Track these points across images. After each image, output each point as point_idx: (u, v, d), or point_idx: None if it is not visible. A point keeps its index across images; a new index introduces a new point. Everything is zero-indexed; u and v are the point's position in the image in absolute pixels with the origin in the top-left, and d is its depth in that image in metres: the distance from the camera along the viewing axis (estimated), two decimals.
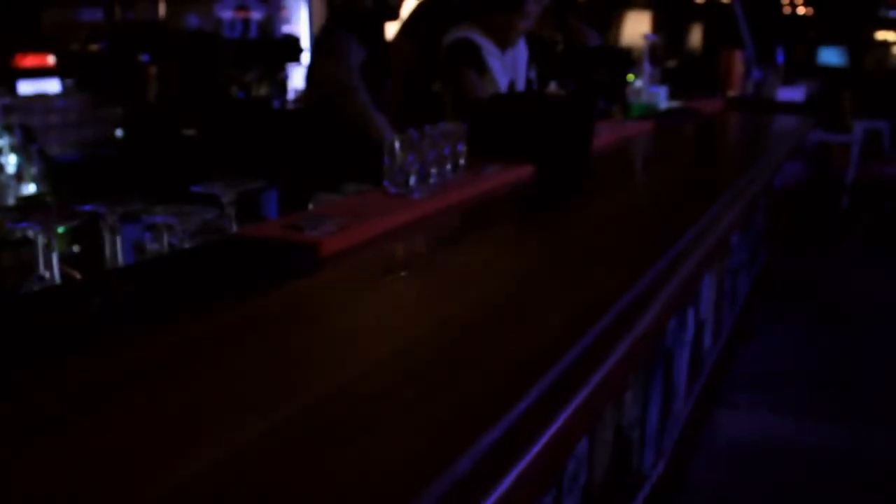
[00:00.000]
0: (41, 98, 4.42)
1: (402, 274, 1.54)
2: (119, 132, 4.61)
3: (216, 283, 1.36)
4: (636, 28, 11.06)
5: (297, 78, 6.67)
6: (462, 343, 1.17)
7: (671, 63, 8.55)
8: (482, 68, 3.43)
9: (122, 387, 0.99)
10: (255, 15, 5.64)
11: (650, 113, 4.14)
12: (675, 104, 4.61)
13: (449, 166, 2.07)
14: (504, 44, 3.55)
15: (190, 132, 5.00)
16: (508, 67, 3.57)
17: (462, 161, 2.14)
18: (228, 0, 5.68)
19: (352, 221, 1.66)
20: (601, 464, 2.09)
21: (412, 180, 1.91)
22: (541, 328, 1.24)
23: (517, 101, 2.72)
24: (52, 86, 5.12)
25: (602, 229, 1.94)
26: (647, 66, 4.26)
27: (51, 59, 5.30)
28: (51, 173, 3.65)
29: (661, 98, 4.66)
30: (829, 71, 10.55)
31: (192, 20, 5.21)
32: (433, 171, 1.99)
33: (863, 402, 4.15)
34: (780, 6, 12.49)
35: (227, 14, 5.56)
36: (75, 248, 2.64)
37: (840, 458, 3.62)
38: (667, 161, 3.08)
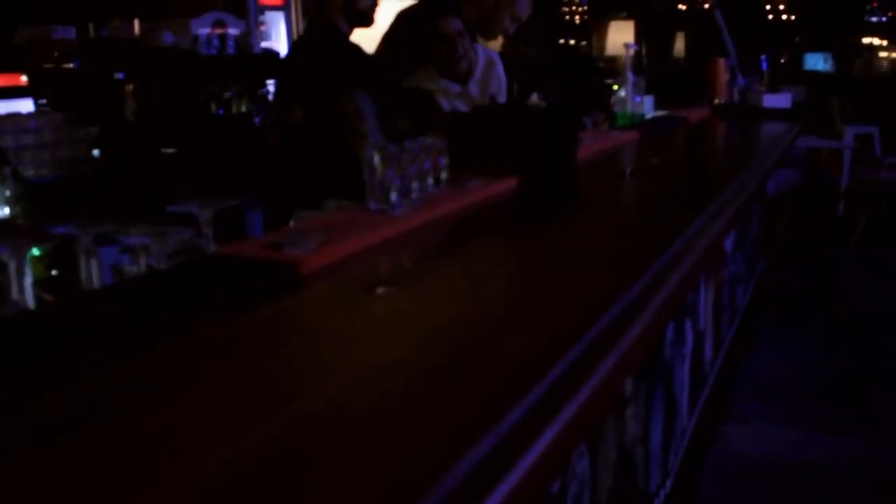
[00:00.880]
0: (13, 118, 4.31)
1: (383, 290, 1.49)
2: (96, 152, 4.51)
3: (194, 304, 1.35)
4: (620, 37, 11.05)
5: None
6: (442, 360, 1.15)
7: (658, 70, 8.55)
8: (435, 113, 3.43)
9: (101, 406, 1.00)
10: (233, 31, 5.56)
11: (636, 122, 4.09)
12: (661, 113, 4.56)
13: (431, 181, 2.04)
14: (457, 77, 3.55)
15: (169, 151, 4.92)
16: (471, 98, 3.53)
17: (444, 175, 2.11)
18: (205, 17, 5.59)
19: (332, 238, 1.64)
20: (605, 484, 2.03)
21: (393, 196, 1.88)
22: (528, 342, 1.21)
23: (498, 114, 2.69)
24: (26, 106, 5.03)
25: (588, 240, 1.93)
26: (630, 76, 4.21)
27: (23, 79, 5.21)
28: (26, 195, 3.56)
29: (647, 107, 4.60)
30: (816, 77, 10.57)
31: (168, 37, 5.12)
32: (414, 185, 1.96)
33: (872, 411, 4.09)
34: (764, 13, 12.54)
35: (203, 30, 5.47)
36: (53, 273, 2.59)
37: (852, 470, 3.56)
38: (654, 170, 3.04)
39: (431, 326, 1.30)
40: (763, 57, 5.54)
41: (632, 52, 4.38)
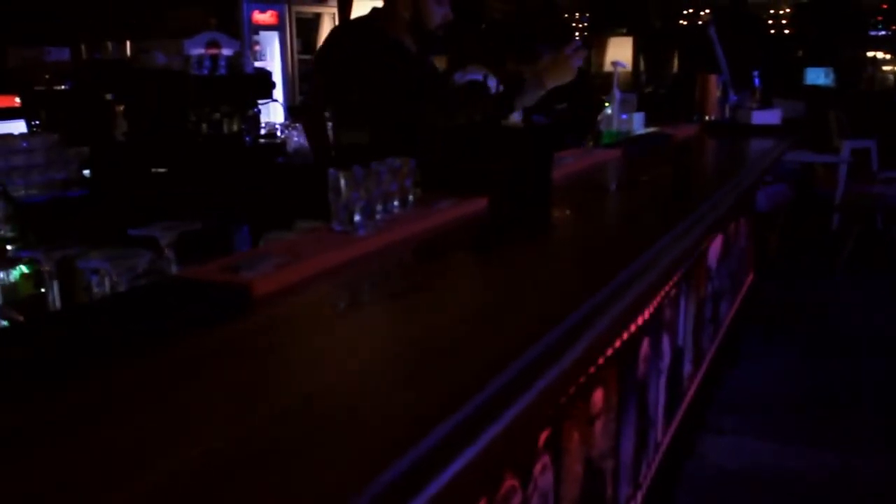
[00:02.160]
0: (4, 139, 4.36)
1: (328, 315, 1.53)
2: (87, 172, 4.56)
3: (141, 328, 1.36)
4: (619, 54, 11.11)
5: (273, 114, 6.64)
6: (373, 388, 1.17)
7: (649, 88, 8.57)
8: None
9: (47, 432, 1.01)
10: (227, 51, 5.60)
11: (620, 140, 4.12)
12: (649, 130, 4.58)
13: (396, 202, 2.06)
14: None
15: (161, 170, 4.96)
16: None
17: (411, 196, 2.14)
18: (198, 37, 5.64)
19: (291, 260, 1.65)
20: (570, 498, 2.04)
21: (357, 217, 1.89)
22: (454, 372, 1.22)
23: (471, 133, 2.69)
24: (19, 127, 5.07)
25: (544, 265, 1.92)
26: (617, 93, 4.25)
27: (17, 101, 5.26)
28: (16, 215, 3.60)
29: (637, 124, 4.63)
30: (816, 91, 10.55)
31: (160, 58, 5.17)
32: (378, 207, 1.98)
33: (850, 426, 4.09)
34: (762, 30, 12.51)
35: (197, 51, 5.51)
36: (42, 290, 2.64)
37: (828, 483, 3.57)
38: (627, 190, 3.06)
39: (373, 350, 1.33)
40: (755, 73, 5.53)
41: (619, 70, 4.42)
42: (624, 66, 4.41)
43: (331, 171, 1.89)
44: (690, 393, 3.55)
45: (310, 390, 1.14)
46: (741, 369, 4.68)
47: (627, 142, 4.07)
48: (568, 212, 2.54)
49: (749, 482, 3.59)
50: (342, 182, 1.85)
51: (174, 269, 1.78)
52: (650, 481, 2.86)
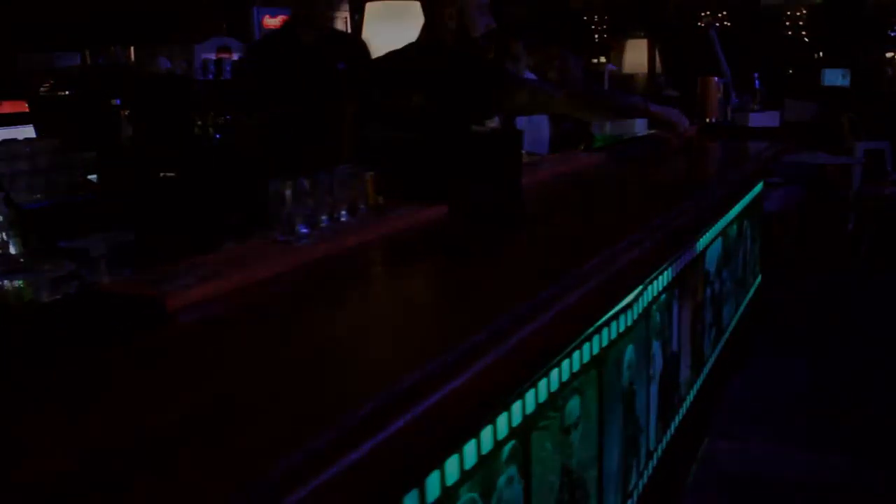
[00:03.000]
0: (8, 144, 4.38)
1: (234, 330, 1.49)
2: (93, 177, 4.58)
3: (46, 341, 1.37)
4: (637, 56, 11.06)
5: None
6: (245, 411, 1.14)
7: (662, 90, 8.54)
8: None
9: None
10: (234, 56, 5.64)
11: (611, 143, 4.11)
12: (648, 133, 4.57)
13: (345, 211, 2.01)
14: None
15: (167, 174, 4.99)
16: None
17: (363, 205, 2.09)
18: (209, 42, 5.67)
19: (217, 272, 1.63)
20: None
21: (299, 226, 1.86)
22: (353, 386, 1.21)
23: (430, 140, 2.66)
24: (28, 132, 5.11)
25: (488, 275, 1.86)
26: None
27: (26, 106, 5.30)
28: (18, 221, 3.63)
29: (639, 127, 4.62)
30: (831, 93, 10.50)
31: (164, 63, 5.20)
32: (323, 216, 1.94)
33: (860, 428, 4.07)
34: (768, 30, 12.44)
35: (209, 55, 5.55)
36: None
37: (838, 487, 3.55)
38: (595, 197, 3.02)
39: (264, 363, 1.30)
40: (756, 75, 5.52)
41: (609, 72, 4.42)
42: (613, 69, 4.39)
43: (273, 180, 1.86)
44: (690, 399, 3.53)
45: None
46: (750, 372, 4.66)
47: (617, 145, 4.06)
48: (534, 220, 2.50)
49: (757, 487, 3.57)
50: (286, 191, 1.82)
51: (106, 281, 1.75)
52: (643, 489, 2.85)
